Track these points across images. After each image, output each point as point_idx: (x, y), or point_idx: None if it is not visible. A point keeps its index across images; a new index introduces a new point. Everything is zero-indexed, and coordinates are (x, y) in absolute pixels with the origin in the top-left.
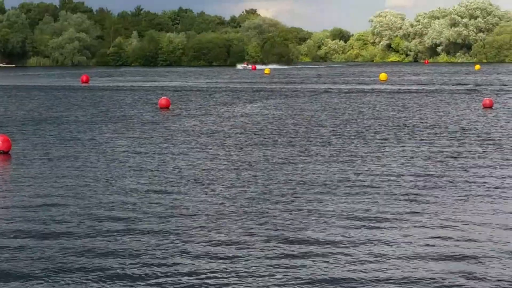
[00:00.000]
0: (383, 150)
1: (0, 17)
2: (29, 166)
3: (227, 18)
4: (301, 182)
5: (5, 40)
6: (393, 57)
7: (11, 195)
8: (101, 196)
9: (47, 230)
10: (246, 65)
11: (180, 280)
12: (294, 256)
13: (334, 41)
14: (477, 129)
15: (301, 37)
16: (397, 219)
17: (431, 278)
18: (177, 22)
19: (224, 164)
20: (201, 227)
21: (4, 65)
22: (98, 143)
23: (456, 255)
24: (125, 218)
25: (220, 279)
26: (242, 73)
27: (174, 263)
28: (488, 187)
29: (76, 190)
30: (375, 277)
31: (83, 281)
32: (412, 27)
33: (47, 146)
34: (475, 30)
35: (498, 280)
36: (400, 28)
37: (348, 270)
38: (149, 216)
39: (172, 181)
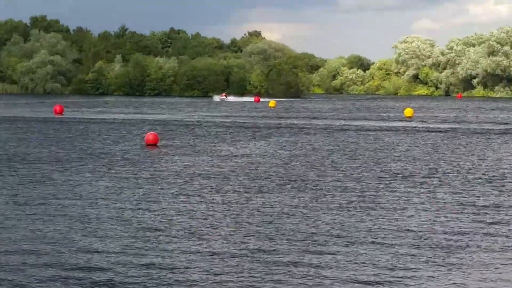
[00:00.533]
0: (408, 199)
1: None
2: None
3: (227, 41)
4: (312, 235)
5: None
6: (421, 90)
7: None
8: (76, 245)
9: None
10: (224, 97)
11: None
12: None
13: (351, 70)
14: None
15: (313, 64)
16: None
17: None
18: (168, 45)
19: (221, 213)
20: (193, 285)
21: None
22: (74, 185)
23: None
24: (104, 270)
25: None
26: (243, 107)
27: None
28: None
29: (47, 239)
30: None
31: None
32: (443, 55)
33: (14, 188)
34: None
35: None
36: (429, 56)
37: None
38: (130, 270)
39: (159, 231)
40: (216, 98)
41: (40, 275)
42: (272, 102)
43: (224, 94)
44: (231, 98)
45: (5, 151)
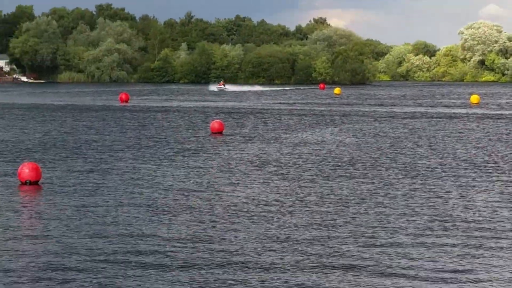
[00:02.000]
0: (474, 188)
1: (28, 25)
2: (61, 199)
3: (292, 28)
4: (379, 222)
5: (33, 52)
6: (487, 76)
7: (39, 231)
8: (143, 231)
9: (78, 265)
10: (221, 86)
11: None
12: None
13: (417, 57)
14: None
15: (378, 51)
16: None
17: None
18: (233, 32)
19: (286, 200)
20: (256, 274)
21: (31, 81)
22: (139, 173)
23: None
24: (167, 255)
25: None
26: (308, 94)
27: None
28: None
29: (115, 225)
30: None
31: None
32: (510, 41)
33: (81, 176)
34: None
35: None
36: (496, 42)
37: None
38: (196, 256)
39: (227, 217)
40: (213, 87)
41: (107, 260)
42: (337, 89)
43: (221, 82)
44: (229, 87)
45: (73, 139)
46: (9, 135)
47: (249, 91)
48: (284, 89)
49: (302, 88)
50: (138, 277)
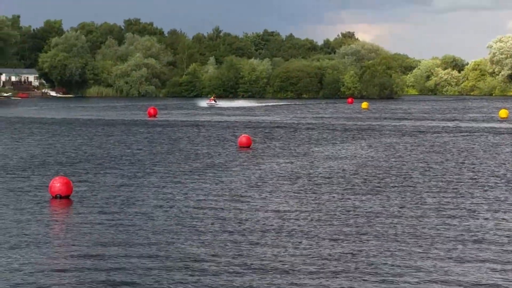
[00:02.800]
0: (504, 202)
1: (57, 39)
2: (91, 213)
3: (320, 42)
4: (405, 234)
5: (62, 66)
6: None
7: (70, 244)
8: (171, 246)
9: (108, 278)
10: (212, 101)
11: None
12: None
13: (445, 71)
14: None
15: (407, 65)
16: None
17: None
18: (261, 46)
19: (316, 213)
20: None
21: (60, 95)
22: (167, 186)
23: None
24: (198, 271)
25: None
26: (335, 108)
27: None
28: None
29: (142, 240)
30: None
31: None
32: None
33: (111, 190)
34: None
35: None
36: None
37: None
38: (223, 267)
39: (253, 231)
40: (204, 103)
41: (137, 273)
42: (364, 104)
43: (212, 98)
44: (221, 103)
45: (102, 153)
46: (40, 149)
47: (242, 107)
48: (277, 105)
49: (309, 103)
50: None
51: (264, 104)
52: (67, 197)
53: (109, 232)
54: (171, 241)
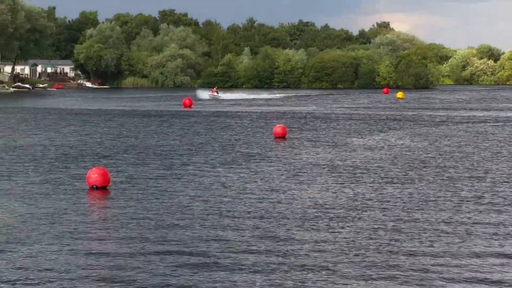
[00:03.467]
0: None
1: (92, 31)
2: (128, 203)
3: (355, 32)
4: (442, 224)
5: (97, 58)
6: None
7: (108, 236)
8: (211, 235)
9: (144, 267)
10: (214, 93)
11: None
12: None
13: (481, 60)
14: None
15: (442, 55)
16: None
17: None
18: (296, 37)
19: (353, 204)
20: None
21: (96, 86)
22: (203, 177)
23: None
24: (232, 261)
25: None
26: (371, 99)
27: None
28: None
29: (180, 230)
30: None
31: None
32: None
33: (147, 180)
34: None
35: None
36: None
37: None
38: (258, 259)
39: (288, 221)
40: (204, 94)
41: (174, 263)
42: (399, 93)
43: (214, 89)
44: (222, 95)
45: (139, 144)
46: (77, 140)
47: (244, 98)
48: (276, 95)
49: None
50: (208, 280)
51: (270, 96)
52: (104, 187)
53: (145, 223)
54: (207, 229)
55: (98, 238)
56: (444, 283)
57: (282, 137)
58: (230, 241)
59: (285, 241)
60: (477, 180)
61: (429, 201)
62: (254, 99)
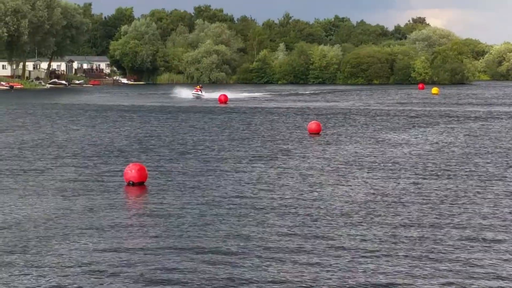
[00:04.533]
0: None
1: (127, 27)
2: (165, 199)
3: (391, 28)
4: (476, 221)
5: (133, 54)
6: None
7: (146, 231)
8: (246, 230)
9: (180, 264)
10: (198, 92)
11: None
12: None
13: None
14: None
15: (478, 50)
16: None
17: None
18: (332, 32)
19: (386, 199)
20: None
21: (131, 82)
22: (242, 172)
23: None
24: (269, 257)
25: None
26: (403, 95)
27: None
28: None
29: (214, 228)
30: None
31: None
32: None
33: (184, 176)
34: None
35: None
36: None
37: None
38: (286, 257)
39: (321, 218)
40: (186, 93)
41: (210, 260)
42: (435, 89)
43: (198, 87)
44: (205, 94)
45: (176, 140)
46: (115, 136)
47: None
48: (279, 94)
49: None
50: (241, 275)
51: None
52: (141, 183)
53: (183, 219)
54: (243, 225)
55: (135, 235)
56: (485, 280)
57: (317, 133)
58: (264, 238)
59: (318, 238)
60: (503, 175)
61: (463, 196)
62: (238, 98)
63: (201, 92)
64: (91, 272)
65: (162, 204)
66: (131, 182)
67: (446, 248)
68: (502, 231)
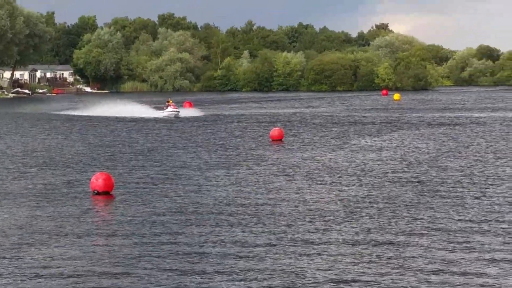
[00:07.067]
0: None
1: (90, 36)
2: (130, 208)
3: (354, 34)
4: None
5: (96, 62)
6: None
7: (112, 240)
8: (211, 238)
9: (148, 275)
10: (175, 109)
11: None
12: None
13: (480, 61)
14: None
15: (441, 56)
16: None
17: None
18: (295, 39)
19: (344, 206)
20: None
21: (95, 91)
22: (203, 180)
23: None
24: (233, 263)
25: None
26: (368, 101)
27: None
28: None
29: (181, 235)
30: None
31: None
32: None
33: (149, 185)
34: None
35: None
36: None
37: None
38: (262, 258)
39: (285, 223)
40: (163, 112)
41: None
42: (396, 95)
43: (171, 102)
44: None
45: (141, 149)
46: (80, 145)
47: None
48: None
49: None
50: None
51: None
52: (107, 193)
53: (148, 227)
54: (208, 233)
55: (100, 243)
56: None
57: (279, 139)
58: (230, 242)
59: (282, 241)
60: (476, 181)
61: (426, 201)
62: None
63: (176, 109)
64: (56, 279)
65: (127, 213)
66: (95, 191)
67: (411, 251)
68: (468, 232)
